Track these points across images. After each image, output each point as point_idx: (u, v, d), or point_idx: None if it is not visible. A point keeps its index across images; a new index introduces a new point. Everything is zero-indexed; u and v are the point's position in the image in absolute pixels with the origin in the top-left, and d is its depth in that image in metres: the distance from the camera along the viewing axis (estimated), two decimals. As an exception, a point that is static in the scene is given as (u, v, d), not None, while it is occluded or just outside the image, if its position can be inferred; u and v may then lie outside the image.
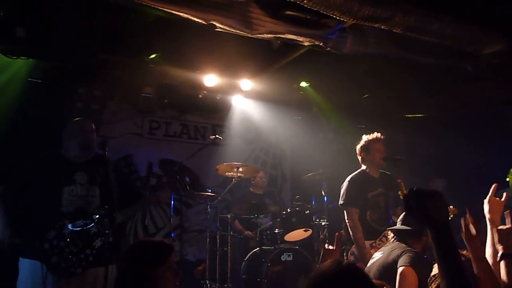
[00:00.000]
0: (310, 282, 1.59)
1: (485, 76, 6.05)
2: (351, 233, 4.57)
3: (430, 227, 1.63)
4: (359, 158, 4.87)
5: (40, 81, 5.85)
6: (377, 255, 3.52)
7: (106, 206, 3.42)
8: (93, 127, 3.82)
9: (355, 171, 4.96)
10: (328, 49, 5.28)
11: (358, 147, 4.87)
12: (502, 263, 2.13)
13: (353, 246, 4.60)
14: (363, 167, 4.84)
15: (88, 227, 3.50)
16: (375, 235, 4.52)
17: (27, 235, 3.50)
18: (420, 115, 7.63)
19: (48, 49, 4.65)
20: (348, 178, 4.82)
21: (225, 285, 5.67)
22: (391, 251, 3.37)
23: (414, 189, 1.67)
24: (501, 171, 6.35)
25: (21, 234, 3.54)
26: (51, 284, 3.40)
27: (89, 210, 3.58)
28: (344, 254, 4.76)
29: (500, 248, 2.13)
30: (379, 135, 4.79)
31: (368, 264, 3.57)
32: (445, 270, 1.60)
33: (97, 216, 3.46)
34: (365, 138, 4.83)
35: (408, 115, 7.72)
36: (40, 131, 5.58)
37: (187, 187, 4.23)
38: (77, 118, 3.88)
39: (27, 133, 5.63)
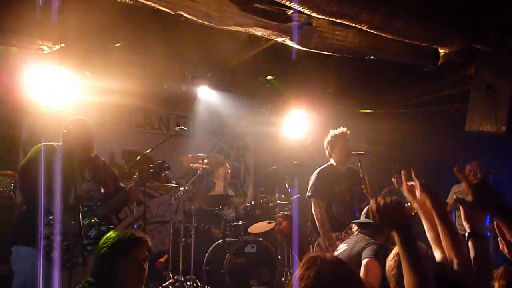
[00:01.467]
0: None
1: (445, 74, 6.24)
2: (318, 224, 4.65)
3: (396, 233, 1.84)
4: (326, 152, 4.95)
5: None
6: (341, 247, 3.60)
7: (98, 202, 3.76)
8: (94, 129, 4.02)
9: (319, 164, 5.05)
10: (294, 43, 5.32)
11: (325, 142, 4.95)
12: (470, 244, 2.20)
13: (320, 237, 4.68)
14: (331, 161, 4.93)
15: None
16: (341, 228, 4.61)
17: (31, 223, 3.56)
18: (371, 110, 7.81)
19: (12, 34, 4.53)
20: (317, 171, 4.91)
21: (188, 277, 5.66)
22: (356, 243, 3.46)
23: (381, 203, 1.90)
24: (459, 165, 6.57)
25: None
26: (56, 275, 3.46)
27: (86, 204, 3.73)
28: (311, 246, 4.84)
29: (467, 227, 2.20)
30: (345, 130, 4.88)
31: (333, 256, 3.65)
32: (408, 266, 1.80)
33: (85, 209, 3.64)
34: (331, 133, 4.91)
35: (361, 110, 7.87)
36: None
37: (165, 171, 4.27)
38: (78, 118, 3.99)
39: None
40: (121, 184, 4.08)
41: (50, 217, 3.57)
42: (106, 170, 4.00)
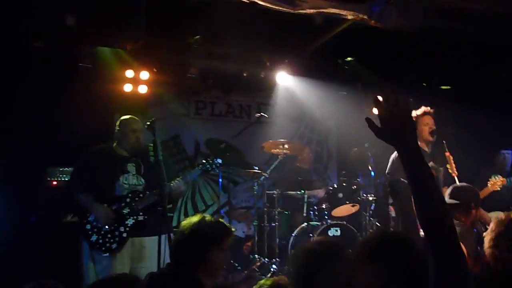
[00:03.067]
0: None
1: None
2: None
3: (402, 146, 1.52)
4: None
5: (90, 66, 6.06)
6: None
7: (147, 192, 4.10)
8: (141, 125, 4.29)
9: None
10: (372, 22, 5.18)
11: None
12: None
13: None
14: None
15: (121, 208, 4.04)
16: None
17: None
18: (448, 87, 7.38)
19: (96, 35, 4.83)
20: None
21: (273, 260, 5.79)
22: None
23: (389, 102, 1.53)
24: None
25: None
26: (99, 258, 3.96)
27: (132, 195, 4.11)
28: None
29: None
30: (427, 109, 4.70)
31: (416, 238, 3.57)
32: (415, 189, 1.48)
33: (128, 200, 4.05)
34: (413, 113, 4.76)
35: (443, 87, 7.47)
36: (87, 114, 5.86)
37: (218, 167, 4.44)
38: (127, 117, 4.38)
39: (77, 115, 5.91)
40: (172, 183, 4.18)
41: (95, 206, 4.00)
42: (156, 166, 3.98)
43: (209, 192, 7.51)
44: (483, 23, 5.17)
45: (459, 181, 4.24)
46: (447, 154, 4.46)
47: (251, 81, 7.18)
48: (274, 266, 5.71)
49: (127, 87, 6.22)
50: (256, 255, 5.97)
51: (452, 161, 4.42)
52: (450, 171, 4.39)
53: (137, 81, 6.27)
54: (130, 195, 4.08)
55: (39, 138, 5.59)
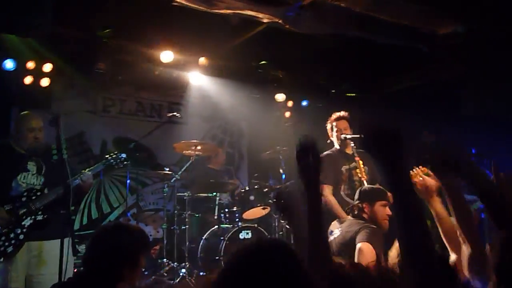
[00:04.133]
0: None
1: (440, 57, 6.16)
2: (329, 208, 4.54)
3: (383, 163, 1.48)
4: (330, 137, 4.90)
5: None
6: (336, 232, 3.57)
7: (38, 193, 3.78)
8: (42, 123, 3.97)
9: (320, 150, 4.99)
10: (287, 26, 5.24)
11: (327, 126, 4.91)
12: None
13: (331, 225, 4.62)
14: (335, 145, 4.86)
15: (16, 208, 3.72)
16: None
17: None
18: (356, 94, 7.69)
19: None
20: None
21: (183, 264, 5.64)
22: (349, 227, 3.43)
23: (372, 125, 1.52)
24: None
25: None
26: None
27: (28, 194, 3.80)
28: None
29: None
30: (342, 113, 4.82)
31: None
32: (398, 203, 1.46)
33: (24, 199, 3.73)
34: (331, 118, 4.87)
35: (348, 94, 7.76)
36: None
37: (123, 163, 4.21)
38: (25, 113, 4.07)
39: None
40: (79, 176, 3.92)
41: None
42: (60, 165, 3.76)
43: (115, 194, 7.16)
44: (391, 33, 5.43)
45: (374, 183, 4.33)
46: (357, 158, 4.58)
47: (163, 79, 6.98)
48: (183, 270, 5.56)
49: (28, 79, 5.78)
50: (165, 259, 5.80)
51: (361, 165, 4.55)
52: (359, 175, 4.52)
53: (39, 73, 5.85)
54: (26, 193, 3.75)
55: None
